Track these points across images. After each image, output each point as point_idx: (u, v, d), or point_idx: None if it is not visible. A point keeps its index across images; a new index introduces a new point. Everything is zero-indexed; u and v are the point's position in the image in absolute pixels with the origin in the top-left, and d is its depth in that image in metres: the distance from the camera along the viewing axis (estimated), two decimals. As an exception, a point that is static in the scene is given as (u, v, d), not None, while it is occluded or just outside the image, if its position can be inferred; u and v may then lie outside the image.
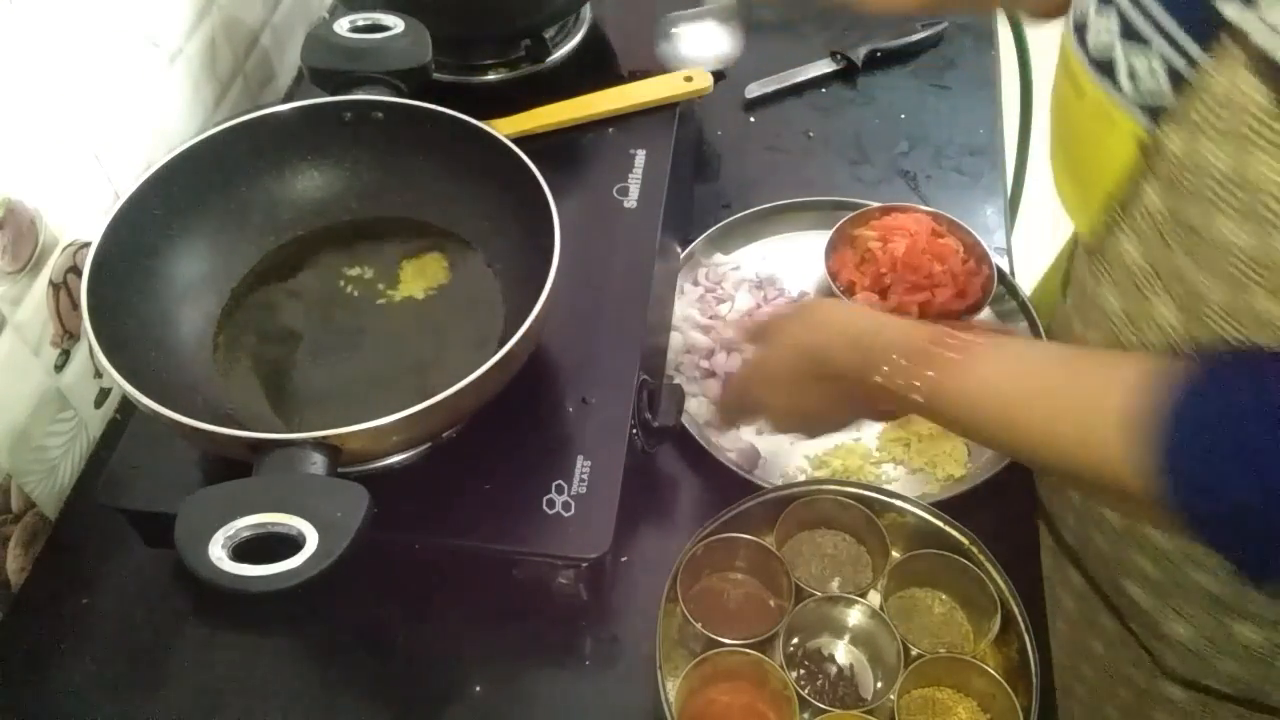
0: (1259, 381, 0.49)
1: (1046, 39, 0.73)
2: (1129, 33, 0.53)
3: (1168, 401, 0.48)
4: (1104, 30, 0.55)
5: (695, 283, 0.93)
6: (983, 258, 0.91)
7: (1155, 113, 0.52)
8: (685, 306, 0.91)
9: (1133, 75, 0.53)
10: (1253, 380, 0.49)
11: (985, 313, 0.89)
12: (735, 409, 0.76)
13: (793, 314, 0.69)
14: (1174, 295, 0.56)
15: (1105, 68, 0.55)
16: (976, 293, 0.90)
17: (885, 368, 0.60)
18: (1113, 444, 0.49)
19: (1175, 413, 0.48)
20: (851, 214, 0.94)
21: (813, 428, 0.73)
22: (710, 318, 0.89)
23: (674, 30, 0.94)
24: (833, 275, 0.91)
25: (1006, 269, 0.95)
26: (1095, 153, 0.59)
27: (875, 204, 0.95)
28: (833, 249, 0.93)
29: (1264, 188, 0.47)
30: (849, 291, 0.90)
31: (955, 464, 0.81)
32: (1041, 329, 0.89)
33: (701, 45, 0.95)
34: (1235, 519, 0.47)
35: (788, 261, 0.96)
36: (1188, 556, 0.66)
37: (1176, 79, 0.50)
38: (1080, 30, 0.58)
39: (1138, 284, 0.59)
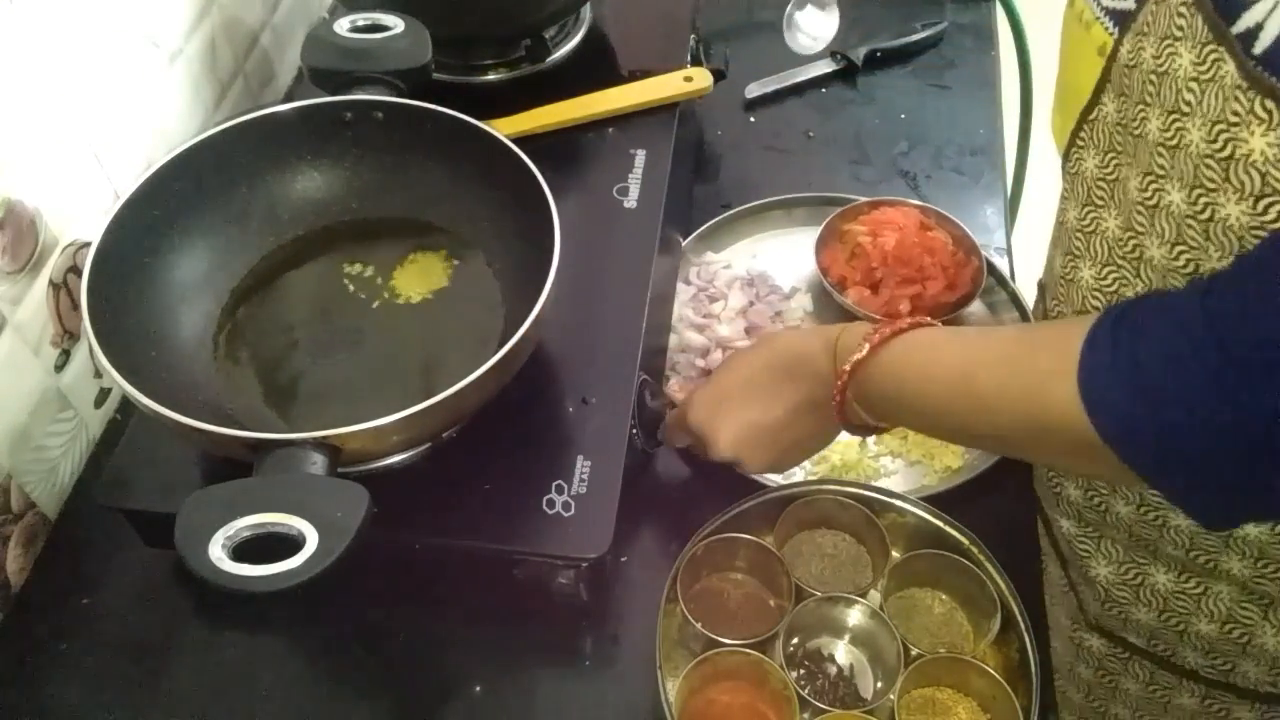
0: (1169, 315, 0.49)
1: (1047, 39, 0.73)
2: None
3: (1091, 341, 0.50)
4: None
5: (688, 281, 0.93)
6: (972, 249, 0.91)
7: (1121, 18, 0.53)
8: (679, 306, 0.91)
9: None
10: (1161, 314, 0.49)
11: (976, 304, 0.90)
12: (687, 428, 0.72)
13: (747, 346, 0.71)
14: (1117, 203, 0.57)
15: None
16: (967, 284, 0.90)
17: (843, 337, 0.63)
18: (1057, 396, 0.50)
19: (1094, 349, 0.49)
20: (840, 209, 0.94)
21: (773, 446, 0.69)
22: (704, 316, 0.90)
23: (795, 17, 1.05)
24: (823, 271, 0.91)
25: (1006, 269, 0.95)
26: (1074, 66, 0.60)
27: (863, 199, 0.95)
28: (823, 245, 0.93)
29: (1180, 78, 0.48)
30: (840, 286, 0.90)
31: (953, 455, 0.81)
32: (1033, 320, 0.89)
33: (816, 27, 1.09)
34: (1164, 454, 0.48)
35: (778, 258, 0.96)
36: (1114, 489, 0.66)
37: None
38: None
39: (1091, 196, 0.59)
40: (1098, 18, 0.55)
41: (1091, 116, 0.58)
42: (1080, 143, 0.60)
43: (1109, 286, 0.58)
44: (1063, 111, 0.64)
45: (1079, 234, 0.61)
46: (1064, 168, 0.64)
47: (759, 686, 0.65)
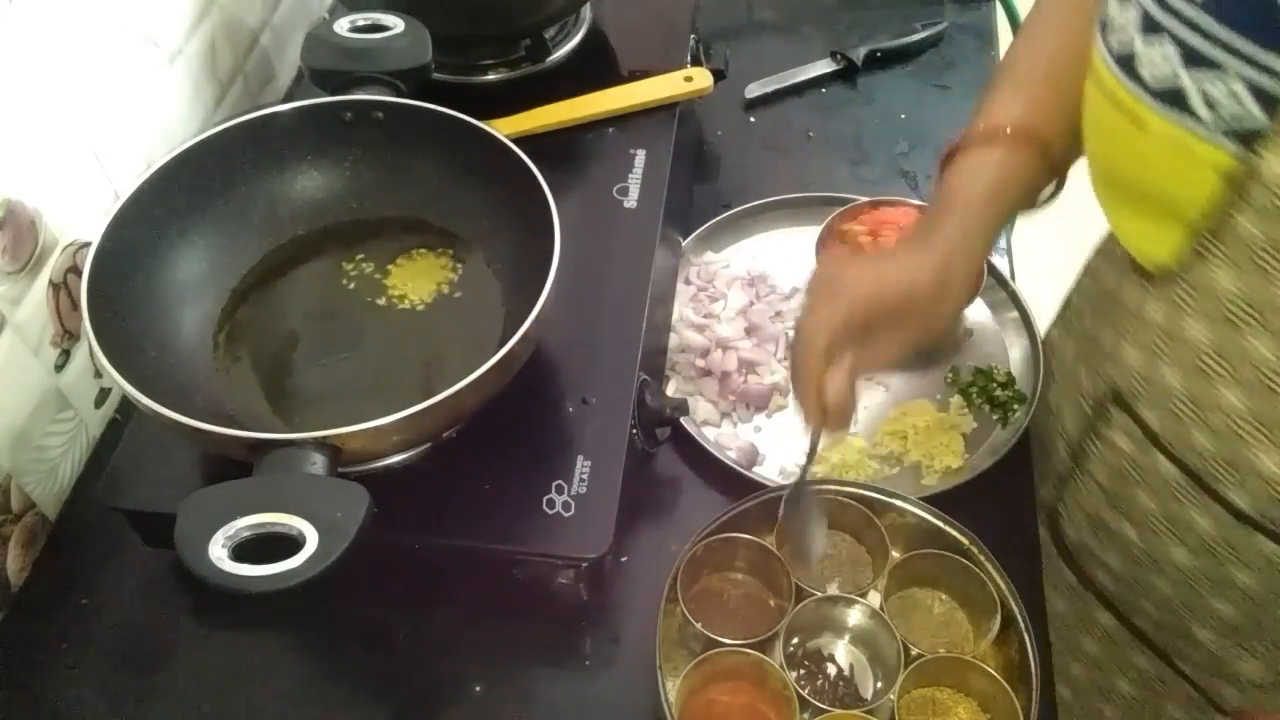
0: None
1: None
2: (1194, 59, 0.51)
3: None
4: (1160, 60, 0.53)
5: (687, 281, 0.93)
6: None
7: (1245, 137, 0.50)
8: (679, 306, 0.91)
9: (1210, 103, 0.51)
10: None
11: (976, 303, 0.90)
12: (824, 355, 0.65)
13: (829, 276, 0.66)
14: (1270, 328, 0.55)
15: (1172, 98, 0.53)
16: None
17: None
18: None
19: None
20: (840, 209, 0.94)
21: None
22: (704, 316, 0.90)
23: None
24: (826, 272, 0.91)
25: (1006, 269, 0.95)
26: (1169, 185, 0.57)
27: (863, 198, 0.95)
28: (822, 244, 0.93)
29: None
30: None
31: (953, 455, 0.81)
32: (1034, 320, 0.90)
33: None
34: None
35: (778, 258, 0.96)
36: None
37: (1266, 100, 0.48)
38: (1127, 63, 0.55)
39: (1230, 316, 0.57)
40: (1205, 138, 0.52)
41: (1219, 232, 0.55)
42: (1203, 254, 0.57)
43: (1266, 412, 0.57)
44: (1145, 217, 0.61)
45: (1212, 355, 0.59)
46: (1163, 275, 0.61)
47: (759, 686, 0.65)
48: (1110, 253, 0.72)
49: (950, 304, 0.65)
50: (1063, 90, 0.65)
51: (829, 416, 0.64)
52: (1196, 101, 0.52)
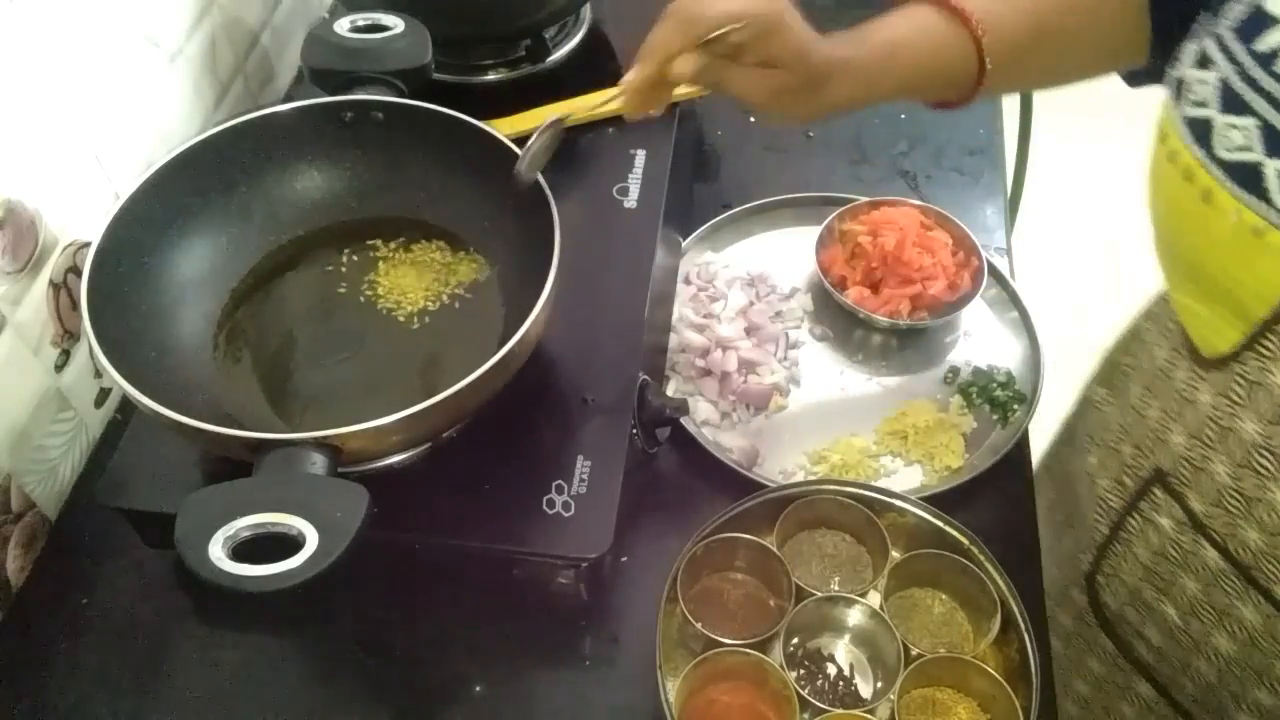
0: None
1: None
2: (1275, 139, 0.48)
3: None
4: (1239, 138, 0.50)
5: (687, 281, 0.93)
6: (972, 249, 0.91)
7: None
8: (679, 306, 0.91)
9: None
10: None
11: (976, 303, 0.90)
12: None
13: None
14: None
15: (1245, 178, 0.49)
16: (967, 284, 0.90)
17: None
18: None
19: None
20: (840, 209, 0.94)
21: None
22: (704, 316, 0.90)
23: None
24: (823, 271, 0.91)
25: (1007, 269, 0.95)
26: (1235, 271, 0.54)
27: (863, 198, 0.95)
28: (822, 244, 0.93)
29: None
30: (840, 286, 0.90)
31: (953, 455, 0.81)
32: (1033, 320, 0.90)
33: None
34: None
35: (778, 258, 0.96)
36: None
37: None
38: (1201, 131, 0.52)
39: None
40: (1273, 223, 0.49)
41: None
42: (1266, 353, 0.54)
43: None
44: (1207, 297, 0.58)
45: (1265, 453, 0.57)
46: (1217, 363, 0.59)
47: (759, 686, 0.65)
48: (1162, 322, 0.68)
49: (817, 96, 0.66)
50: None
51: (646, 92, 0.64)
52: (1274, 185, 0.48)
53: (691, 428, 0.81)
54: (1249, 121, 0.49)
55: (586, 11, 0.99)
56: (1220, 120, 0.51)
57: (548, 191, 0.68)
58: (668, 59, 0.62)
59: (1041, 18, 0.66)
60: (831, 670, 0.68)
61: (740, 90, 0.65)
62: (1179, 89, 0.54)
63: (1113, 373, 0.77)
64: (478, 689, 0.69)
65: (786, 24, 0.62)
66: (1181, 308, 0.62)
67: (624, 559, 0.74)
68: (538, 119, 0.88)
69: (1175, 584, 0.68)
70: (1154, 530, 0.68)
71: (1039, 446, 0.87)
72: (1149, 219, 0.61)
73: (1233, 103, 0.50)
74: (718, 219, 0.97)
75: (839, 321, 0.91)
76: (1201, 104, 0.52)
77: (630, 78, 0.64)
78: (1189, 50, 0.55)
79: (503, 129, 0.73)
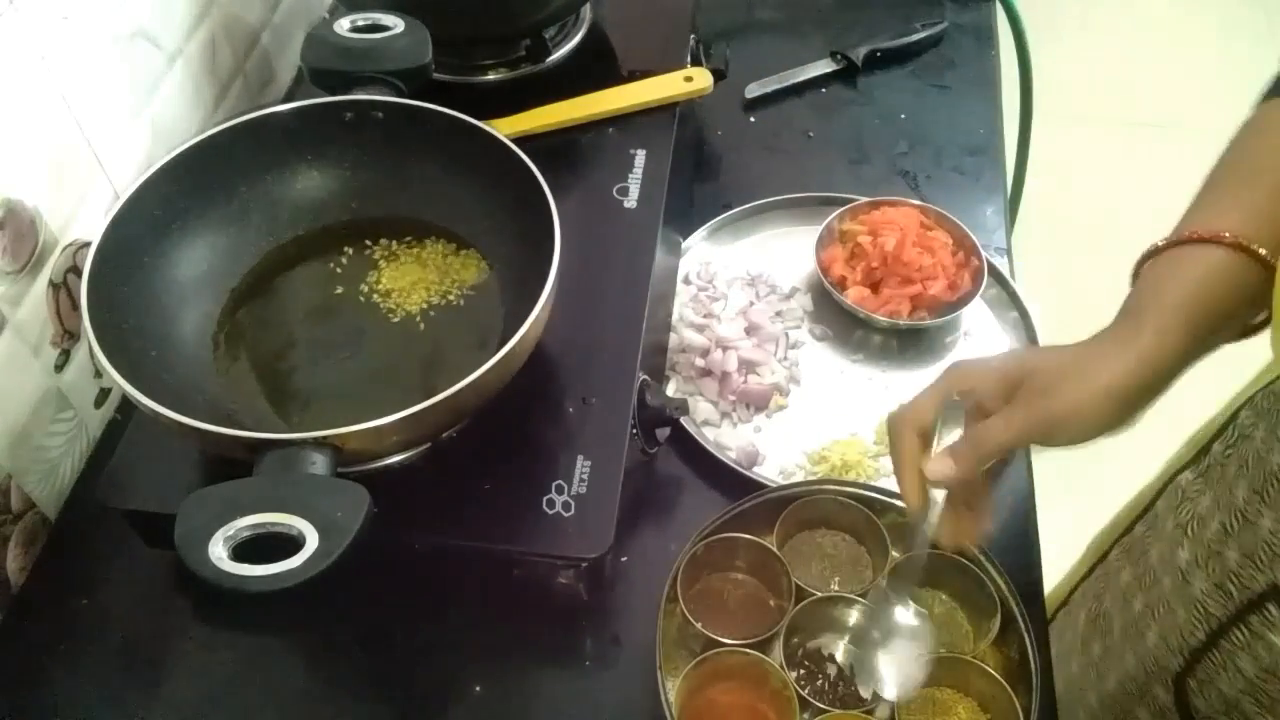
0: None
1: (1047, 39, 0.73)
2: None
3: None
4: None
5: (687, 281, 0.93)
6: (972, 249, 0.91)
7: None
8: (679, 306, 0.91)
9: None
10: None
11: (976, 303, 0.90)
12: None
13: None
14: None
15: None
16: (967, 284, 0.90)
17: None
18: None
19: None
20: (840, 209, 0.94)
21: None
22: (704, 316, 0.90)
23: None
24: (823, 270, 0.92)
25: (1006, 269, 0.95)
26: None
27: (863, 198, 0.95)
28: (822, 244, 0.93)
29: None
30: (840, 286, 0.90)
31: (954, 460, 0.81)
32: (1033, 320, 0.90)
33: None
34: None
35: (778, 258, 0.96)
36: None
37: None
38: None
39: None
40: None
41: None
42: None
43: None
44: None
45: None
46: None
47: (759, 686, 0.65)
48: (1271, 418, 0.63)
49: (1083, 408, 0.58)
50: None
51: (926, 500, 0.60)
52: None
53: (691, 428, 0.81)
54: None
55: (586, 11, 0.99)
56: None
57: (548, 191, 0.68)
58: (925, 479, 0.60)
59: None
60: (831, 670, 0.68)
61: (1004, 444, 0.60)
62: None
63: (1207, 461, 0.71)
64: (478, 689, 0.69)
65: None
66: None
67: (624, 559, 0.74)
68: (538, 119, 0.88)
69: None
70: (1264, 647, 0.64)
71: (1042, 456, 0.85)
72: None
73: None
74: (718, 219, 0.97)
75: (839, 321, 0.91)
76: None
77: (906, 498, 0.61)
78: None
79: (503, 129, 0.73)
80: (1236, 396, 0.70)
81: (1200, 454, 0.72)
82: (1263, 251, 0.59)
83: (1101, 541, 0.82)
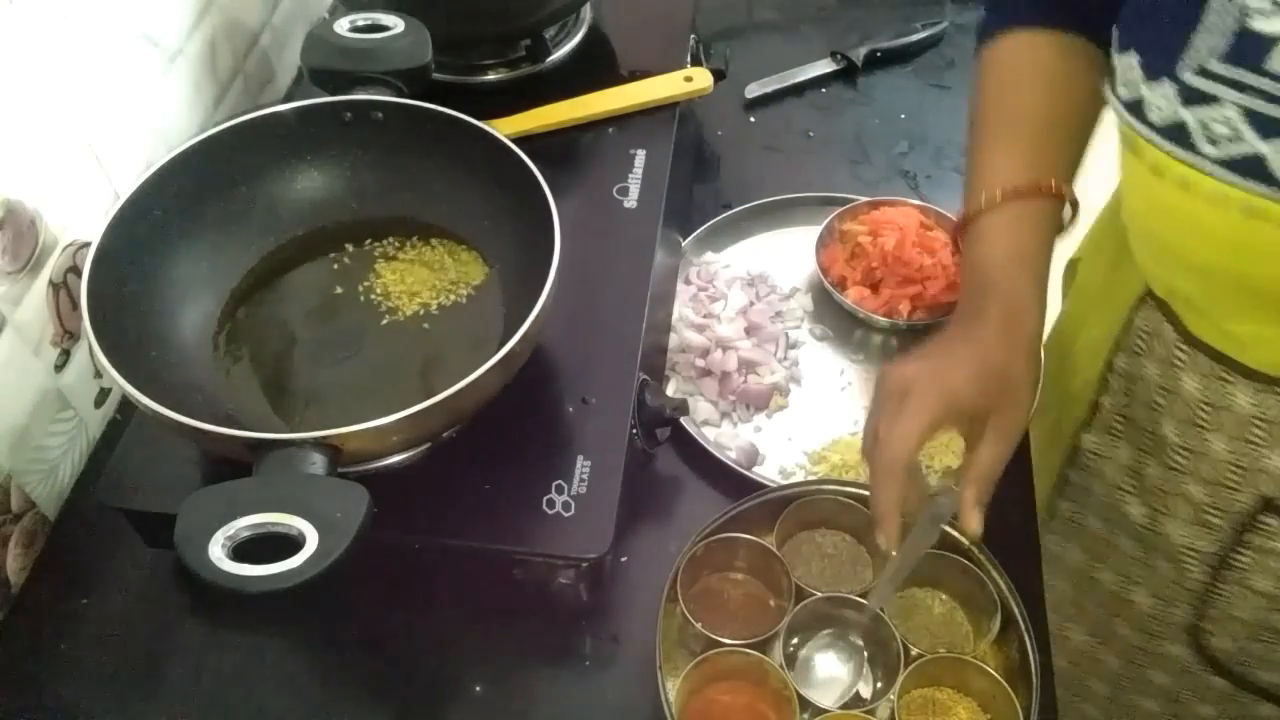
0: None
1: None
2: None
3: None
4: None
5: (687, 281, 0.93)
6: None
7: None
8: (679, 306, 0.91)
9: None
10: None
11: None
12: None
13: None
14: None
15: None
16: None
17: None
18: None
19: None
20: (840, 209, 0.94)
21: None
22: (704, 316, 0.90)
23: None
24: (823, 271, 0.92)
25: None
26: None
27: (863, 198, 0.95)
28: (822, 244, 0.93)
29: None
30: (840, 286, 0.90)
31: (953, 455, 0.81)
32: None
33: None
34: None
35: (778, 258, 0.96)
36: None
37: None
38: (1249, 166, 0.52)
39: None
40: None
41: None
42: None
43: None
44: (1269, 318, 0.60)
45: (1200, 406, 0.60)
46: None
47: (759, 686, 0.65)
48: (1161, 351, 0.68)
49: (1029, 374, 0.62)
50: (1059, 141, 0.65)
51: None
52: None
53: (691, 428, 0.81)
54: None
55: (586, 11, 0.99)
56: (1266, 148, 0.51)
57: (548, 192, 0.68)
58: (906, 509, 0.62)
59: (1071, 142, 0.66)
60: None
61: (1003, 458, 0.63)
62: (1180, 134, 0.54)
63: (1102, 419, 0.74)
64: (478, 689, 0.69)
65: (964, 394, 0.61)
66: (1246, 339, 0.61)
67: (624, 559, 0.74)
68: (538, 119, 0.88)
69: None
70: (1272, 558, 0.66)
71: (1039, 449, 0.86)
72: (1192, 266, 0.60)
73: (1268, 126, 0.50)
74: (718, 219, 0.97)
75: (839, 321, 0.91)
76: (1233, 138, 0.51)
77: (888, 538, 0.63)
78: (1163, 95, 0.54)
79: (503, 129, 0.73)
80: (1091, 345, 0.73)
81: (1092, 411, 0.74)
82: (1054, 187, 0.65)
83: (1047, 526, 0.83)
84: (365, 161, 0.78)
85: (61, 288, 0.77)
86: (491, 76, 0.94)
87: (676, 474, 0.81)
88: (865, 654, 0.68)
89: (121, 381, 0.59)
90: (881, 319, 0.88)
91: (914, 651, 0.65)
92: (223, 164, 0.74)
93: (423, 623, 0.71)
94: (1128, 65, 0.55)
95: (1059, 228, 0.67)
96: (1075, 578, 0.79)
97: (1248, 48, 0.50)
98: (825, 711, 0.63)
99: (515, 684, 0.69)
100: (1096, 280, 0.75)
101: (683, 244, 0.95)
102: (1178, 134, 0.53)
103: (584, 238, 0.71)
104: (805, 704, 0.63)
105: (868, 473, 0.64)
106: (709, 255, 0.96)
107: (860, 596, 0.69)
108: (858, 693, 0.67)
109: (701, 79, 0.90)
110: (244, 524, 0.51)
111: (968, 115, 0.71)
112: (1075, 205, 0.67)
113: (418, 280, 0.75)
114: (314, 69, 0.78)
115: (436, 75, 0.82)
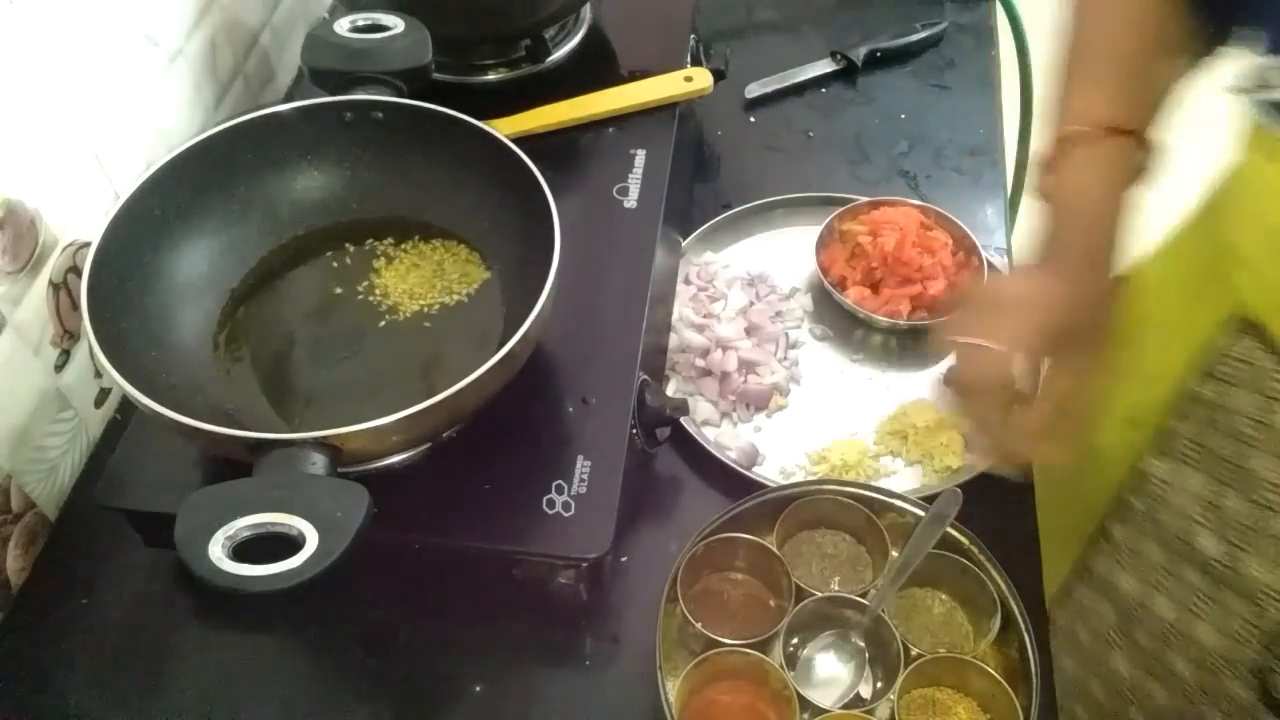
0: None
1: (1046, 37, 0.72)
2: None
3: None
4: None
5: (687, 281, 0.93)
6: (971, 249, 0.91)
7: None
8: (679, 306, 0.91)
9: None
10: None
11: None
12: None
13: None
14: None
15: None
16: (967, 284, 0.90)
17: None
18: None
19: None
20: (840, 209, 0.94)
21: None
22: (704, 316, 0.90)
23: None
24: (823, 270, 0.92)
25: (1006, 269, 0.95)
26: None
27: (863, 198, 0.95)
28: (822, 244, 0.93)
29: None
30: (840, 286, 0.91)
31: (953, 455, 0.81)
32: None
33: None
34: None
35: (778, 258, 0.96)
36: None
37: None
38: None
39: None
40: None
41: None
42: None
43: None
44: None
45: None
46: None
47: (759, 686, 0.65)
48: (1255, 382, 0.64)
49: (1106, 313, 0.64)
50: (1144, 78, 0.65)
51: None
52: None
53: (691, 428, 0.81)
54: None
55: (586, 11, 0.99)
56: None
57: (548, 192, 0.68)
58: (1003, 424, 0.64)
59: (1156, 79, 0.65)
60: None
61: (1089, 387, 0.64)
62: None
63: (1174, 444, 0.71)
64: (478, 688, 0.69)
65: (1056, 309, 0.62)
66: None
67: (624, 559, 0.74)
68: (538, 119, 0.88)
69: None
70: None
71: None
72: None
73: None
74: (718, 219, 0.97)
75: (839, 321, 0.91)
76: None
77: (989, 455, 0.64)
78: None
79: (503, 129, 0.73)
80: (1159, 368, 0.71)
81: (1163, 437, 0.72)
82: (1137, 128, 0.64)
83: (1064, 548, 0.81)
84: (365, 161, 0.78)
85: (61, 288, 0.77)
86: (491, 76, 0.94)
87: (676, 474, 0.81)
88: (865, 654, 0.68)
89: (121, 381, 0.59)
90: (881, 319, 0.88)
91: (914, 651, 0.65)
92: (223, 164, 0.74)
93: (422, 622, 0.72)
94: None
95: (1141, 169, 0.66)
96: (1125, 604, 0.77)
97: None
98: (825, 711, 0.63)
99: (515, 684, 0.69)
100: (1165, 304, 0.74)
101: (683, 244, 0.95)
102: None
103: (584, 238, 0.71)
104: (805, 704, 0.63)
105: (954, 397, 0.66)
106: (709, 255, 0.96)
107: (860, 596, 0.69)
108: (858, 693, 0.67)
109: (701, 79, 0.90)
110: (244, 524, 0.51)
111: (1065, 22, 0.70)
112: (1160, 153, 0.66)
113: (418, 280, 0.75)
114: (314, 69, 0.78)
115: (436, 75, 0.82)
